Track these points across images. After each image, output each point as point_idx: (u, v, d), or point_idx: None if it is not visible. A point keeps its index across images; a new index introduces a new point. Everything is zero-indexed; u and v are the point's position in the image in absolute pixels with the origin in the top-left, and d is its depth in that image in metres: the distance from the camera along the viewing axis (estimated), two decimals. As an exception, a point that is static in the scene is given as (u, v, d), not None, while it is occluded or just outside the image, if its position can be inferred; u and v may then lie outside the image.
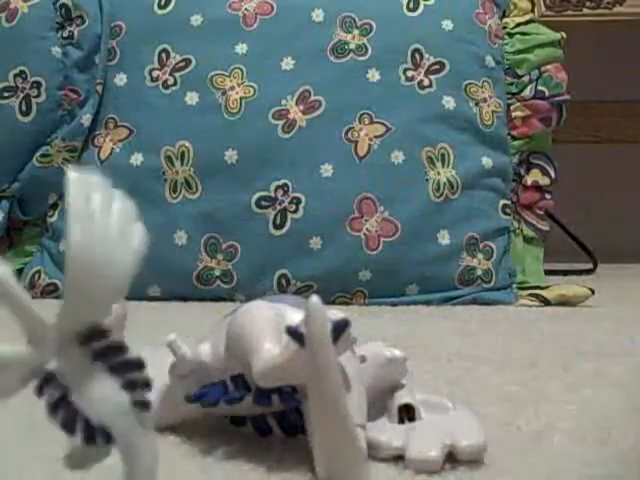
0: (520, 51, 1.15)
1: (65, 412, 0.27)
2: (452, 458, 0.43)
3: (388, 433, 0.44)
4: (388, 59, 1.10)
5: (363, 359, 0.55)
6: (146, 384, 0.28)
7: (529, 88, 1.14)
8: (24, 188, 1.10)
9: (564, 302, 1.04)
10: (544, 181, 1.14)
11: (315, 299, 0.36)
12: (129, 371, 0.28)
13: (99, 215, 0.27)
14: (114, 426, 0.27)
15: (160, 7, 1.13)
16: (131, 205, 0.28)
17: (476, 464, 0.42)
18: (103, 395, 0.27)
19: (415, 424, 0.45)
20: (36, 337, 0.27)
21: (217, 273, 1.05)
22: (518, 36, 1.17)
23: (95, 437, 0.27)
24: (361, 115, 1.07)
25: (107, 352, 0.28)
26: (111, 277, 0.27)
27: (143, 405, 0.28)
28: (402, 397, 0.47)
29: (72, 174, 0.27)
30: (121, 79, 1.11)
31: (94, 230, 0.27)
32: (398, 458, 0.43)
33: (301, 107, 1.07)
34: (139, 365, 0.28)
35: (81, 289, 0.27)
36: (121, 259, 0.28)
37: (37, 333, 0.27)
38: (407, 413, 0.46)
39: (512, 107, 1.14)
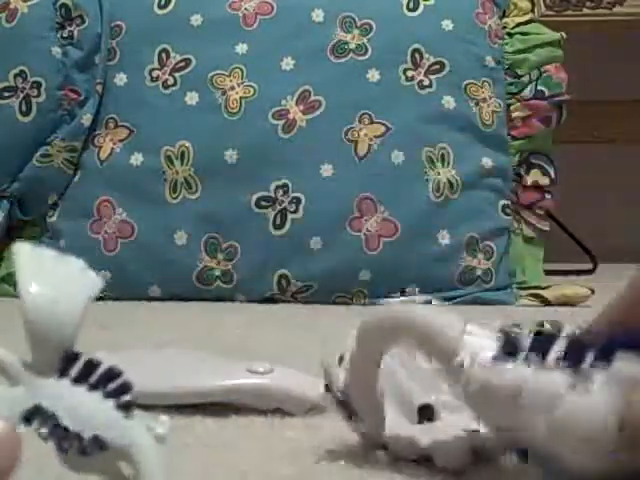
0: (520, 51, 1.15)
1: (58, 436, 0.29)
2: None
3: (412, 433, 0.44)
4: (388, 59, 1.10)
5: None
6: (127, 388, 0.31)
7: (529, 88, 1.14)
8: (24, 188, 1.10)
9: (564, 302, 1.04)
10: (544, 181, 1.14)
11: None
12: (108, 382, 0.31)
13: (49, 271, 0.32)
14: (107, 433, 0.30)
15: (160, 7, 1.13)
16: (78, 261, 0.32)
17: (484, 465, 0.42)
18: (90, 411, 0.30)
19: (436, 424, 0.45)
20: (17, 379, 0.30)
21: (217, 273, 1.05)
22: (518, 36, 1.17)
23: (88, 449, 0.29)
24: (361, 115, 1.07)
25: (83, 374, 0.31)
26: (64, 318, 0.31)
27: (126, 407, 0.31)
28: (419, 397, 0.47)
29: (21, 246, 0.32)
30: (121, 79, 1.11)
31: (44, 283, 0.31)
32: (424, 458, 0.43)
33: (301, 107, 1.07)
34: (115, 374, 0.31)
35: (40, 332, 0.30)
36: (72, 302, 0.31)
37: (17, 377, 0.30)
38: (425, 413, 0.46)
39: (512, 107, 1.14)
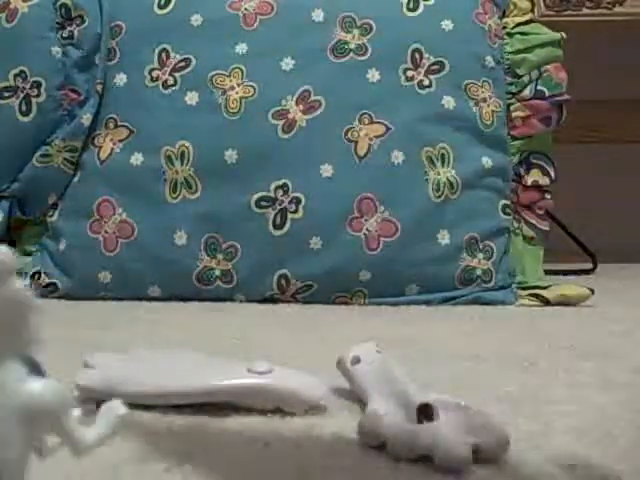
0: (520, 51, 1.15)
1: None
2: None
3: (412, 432, 0.44)
4: (388, 59, 1.10)
5: (357, 360, 0.55)
6: None
7: (529, 88, 1.14)
8: (24, 188, 1.10)
9: (564, 302, 1.04)
10: (544, 181, 1.14)
11: None
12: None
13: None
14: None
15: (160, 7, 1.13)
16: None
17: (475, 464, 0.42)
18: None
19: (436, 423, 0.45)
20: None
21: (217, 273, 1.05)
22: (518, 36, 1.17)
23: None
24: (361, 115, 1.07)
25: None
26: None
27: None
28: (418, 396, 0.47)
29: None
30: (121, 79, 1.11)
31: None
32: (424, 457, 0.43)
33: (301, 107, 1.07)
34: None
35: None
36: None
37: None
38: (424, 413, 0.46)
39: (512, 107, 1.14)
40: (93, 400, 0.51)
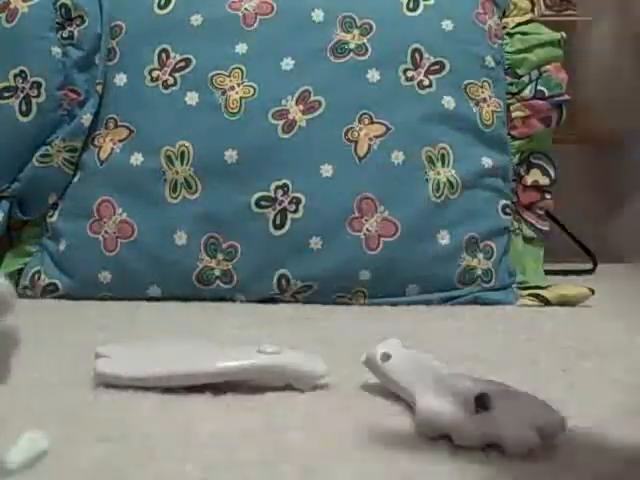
0: (520, 51, 1.15)
1: None
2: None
3: (478, 422, 0.45)
4: (388, 59, 1.10)
5: (387, 357, 0.56)
6: None
7: (529, 88, 1.14)
8: (24, 188, 1.10)
9: (564, 302, 1.04)
10: (544, 181, 1.14)
11: None
12: None
13: None
14: None
15: (160, 7, 1.13)
16: None
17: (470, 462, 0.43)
18: None
19: (495, 412, 0.46)
20: None
21: (217, 273, 1.05)
22: (518, 36, 1.17)
23: None
24: (361, 115, 1.07)
25: None
26: None
27: None
28: (472, 388, 0.47)
29: None
30: (121, 79, 1.11)
31: None
32: (488, 446, 0.44)
33: (301, 107, 1.07)
34: None
35: None
36: None
37: None
38: (481, 403, 0.47)
39: (512, 107, 1.14)
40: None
